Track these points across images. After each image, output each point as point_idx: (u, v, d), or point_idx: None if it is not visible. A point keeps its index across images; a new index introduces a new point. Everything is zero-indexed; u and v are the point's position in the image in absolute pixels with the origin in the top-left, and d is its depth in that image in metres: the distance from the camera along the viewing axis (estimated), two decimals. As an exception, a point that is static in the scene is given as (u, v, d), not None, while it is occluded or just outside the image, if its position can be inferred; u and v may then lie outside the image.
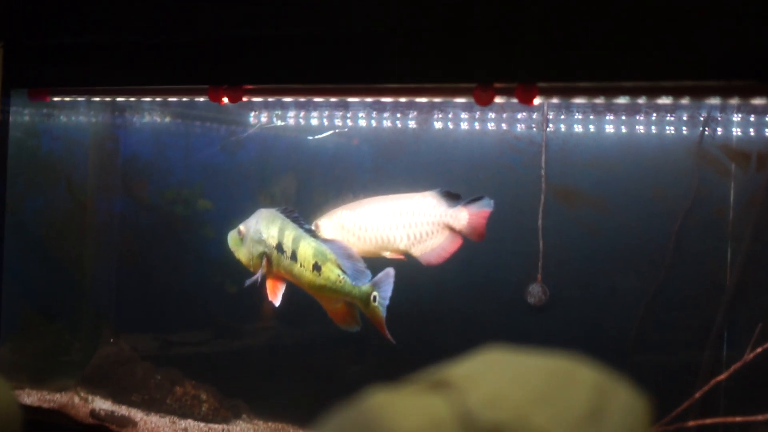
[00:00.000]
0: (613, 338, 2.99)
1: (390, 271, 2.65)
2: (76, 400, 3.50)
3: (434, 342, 3.04)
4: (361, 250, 2.76)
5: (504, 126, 3.18)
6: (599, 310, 3.04)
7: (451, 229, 2.75)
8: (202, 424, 3.38)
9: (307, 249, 2.68)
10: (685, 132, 2.95)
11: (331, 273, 2.65)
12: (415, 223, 2.77)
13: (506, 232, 3.09)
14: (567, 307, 3.07)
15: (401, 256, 2.77)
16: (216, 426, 3.38)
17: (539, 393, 1.26)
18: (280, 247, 2.70)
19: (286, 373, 3.54)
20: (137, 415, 3.42)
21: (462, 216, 2.73)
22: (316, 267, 2.66)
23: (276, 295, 2.74)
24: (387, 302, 2.62)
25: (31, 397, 3.50)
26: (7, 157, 3.45)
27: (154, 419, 3.39)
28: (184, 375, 3.58)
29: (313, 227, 2.80)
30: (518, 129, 3.17)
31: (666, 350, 2.94)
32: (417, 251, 2.75)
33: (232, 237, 2.81)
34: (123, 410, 3.46)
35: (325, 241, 2.71)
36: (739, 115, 2.86)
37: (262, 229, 2.74)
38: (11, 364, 3.60)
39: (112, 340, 3.65)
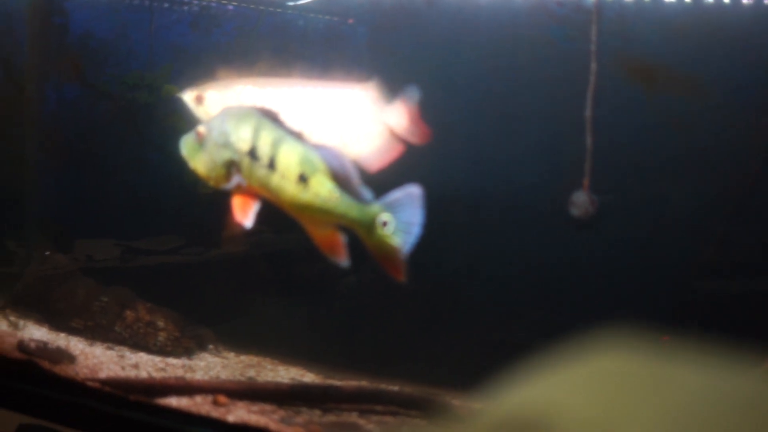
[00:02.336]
0: (681, 261, 2.39)
1: (413, 191, 1.94)
2: (4, 326, 2.88)
3: (447, 264, 2.34)
4: None
5: None
6: (664, 226, 2.43)
7: (391, 131, 2.25)
8: (157, 359, 2.78)
9: (290, 155, 2.00)
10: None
11: (322, 187, 1.97)
12: (350, 119, 2.27)
13: (544, 126, 2.49)
14: (620, 222, 2.48)
15: None
16: (175, 361, 2.79)
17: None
18: (253, 153, 2.03)
19: (263, 293, 3.00)
20: (77, 346, 2.80)
21: (402, 113, 2.24)
22: (303, 178, 1.98)
23: (246, 214, 2.08)
24: (415, 231, 1.94)
25: (-54, 322, 2.89)
26: None
27: (97, 352, 2.77)
28: (137, 296, 2.97)
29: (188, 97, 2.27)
30: None
31: (754, 275, 2.33)
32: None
33: (187, 142, 2.15)
34: (60, 339, 2.84)
35: (316, 146, 2.02)
36: None
37: (230, 130, 2.07)
38: None
39: (47, 252, 3.02)
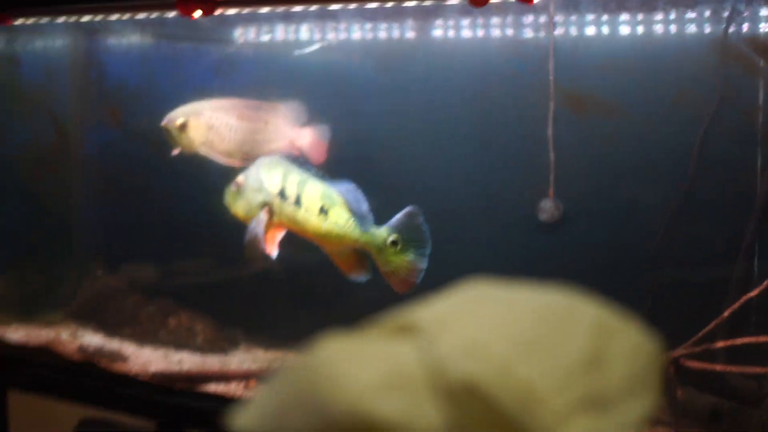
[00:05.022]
0: (634, 256, 2.78)
1: (412, 211, 2.39)
2: (65, 335, 3.36)
3: (438, 266, 2.75)
4: (222, 150, 2.77)
5: (509, 31, 2.93)
6: (617, 226, 2.82)
7: (294, 148, 2.77)
8: (197, 356, 3.22)
9: (313, 192, 2.46)
10: (708, 29, 2.68)
11: (339, 217, 2.42)
12: (267, 130, 2.78)
13: (513, 144, 2.91)
14: (582, 224, 2.85)
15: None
16: (212, 357, 3.22)
17: (526, 339, 1.03)
18: (282, 194, 2.49)
19: (284, 301, 3.40)
20: (129, 349, 3.28)
21: (305, 135, 2.77)
22: (323, 210, 2.44)
23: (275, 246, 2.53)
24: (425, 249, 2.38)
25: (18, 333, 3.37)
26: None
27: (146, 353, 3.24)
28: (178, 306, 3.44)
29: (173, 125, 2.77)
30: (524, 34, 2.92)
31: (692, 267, 2.71)
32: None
33: (228, 192, 2.61)
34: (114, 344, 3.30)
35: (335, 183, 2.49)
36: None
37: (263, 177, 2.53)
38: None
39: (99, 272, 3.50)
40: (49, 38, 3.72)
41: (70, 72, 3.75)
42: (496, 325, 1.04)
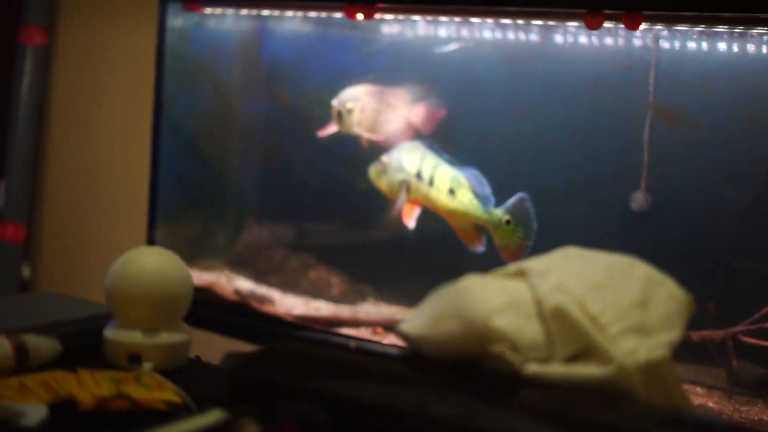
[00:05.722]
0: (710, 244, 3.17)
1: (522, 196, 2.87)
2: (222, 279, 3.93)
3: (543, 244, 3.20)
4: (366, 130, 3.25)
5: (619, 42, 3.21)
6: (698, 218, 3.17)
7: (409, 123, 3.18)
8: (332, 304, 3.77)
9: (444, 175, 2.96)
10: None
11: (464, 197, 2.90)
12: (396, 112, 3.20)
13: (612, 144, 3.31)
14: (667, 215, 3.21)
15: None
16: (345, 307, 3.76)
17: (596, 284, 1.58)
18: (419, 175, 2.98)
19: (409, 265, 3.78)
20: (275, 294, 3.83)
21: (419, 110, 3.19)
22: (452, 191, 2.92)
23: (411, 218, 3.04)
24: (532, 229, 2.82)
25: (184, 276, 3.91)
26: (164, 61, 3.87)
27: (290, 299, 3.80)
28: (317, 261, 3.93)
29: (343, 110, 3.26)
30: (632, 46, 3.20)
31: (758, 257, 3.06)
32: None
33: (373, 169, 3.15)
34: (263, 290, 3.87)
35: (462, 168, 2.98)
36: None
37: (403, 159, 3.05)
38: (167, 246, 3.96)
39: (253, 227, 4.05)
40: (220, 21, 4.13)
41: (235, 50, 4.21)
42: (578, 273, 1.59)
